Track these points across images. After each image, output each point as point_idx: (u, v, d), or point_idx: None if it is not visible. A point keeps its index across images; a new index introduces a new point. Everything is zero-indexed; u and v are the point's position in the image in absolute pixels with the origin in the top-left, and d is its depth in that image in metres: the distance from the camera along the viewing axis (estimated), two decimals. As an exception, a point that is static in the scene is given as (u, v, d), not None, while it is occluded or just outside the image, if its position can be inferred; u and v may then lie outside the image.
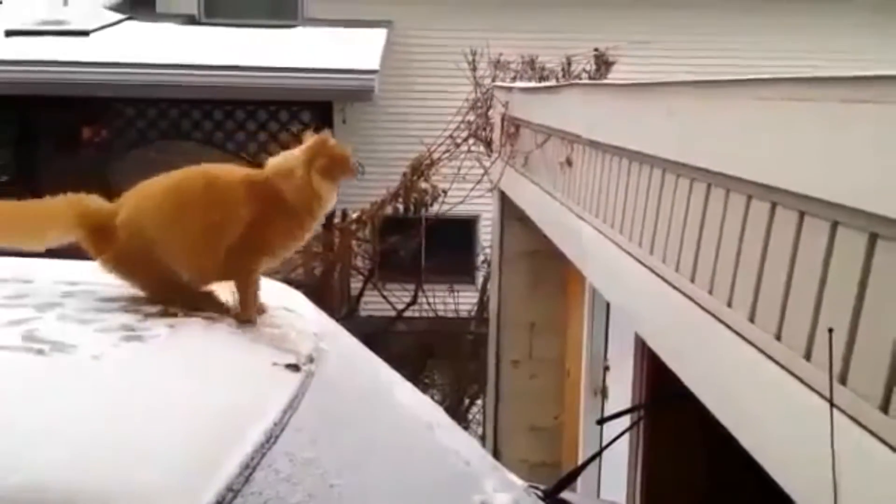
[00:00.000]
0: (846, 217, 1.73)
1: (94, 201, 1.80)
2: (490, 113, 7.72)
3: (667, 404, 3.87)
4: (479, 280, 9.80)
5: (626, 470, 4.76)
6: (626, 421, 3.69)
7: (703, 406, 2.44)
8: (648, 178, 3.06)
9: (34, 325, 1.53)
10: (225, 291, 1.82)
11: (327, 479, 1.40)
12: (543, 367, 6.81)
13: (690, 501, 4.49)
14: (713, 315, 2.38)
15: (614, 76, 8.21)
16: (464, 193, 8.36)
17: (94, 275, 1.81)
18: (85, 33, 9.53)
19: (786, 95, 2.07)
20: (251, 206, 1.76)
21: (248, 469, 1.24)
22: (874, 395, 1.60)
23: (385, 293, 9.20)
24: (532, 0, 10.35)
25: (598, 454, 3.55)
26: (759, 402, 2.10)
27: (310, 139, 1.83)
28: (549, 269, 6.48)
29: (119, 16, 10.30)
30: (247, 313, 1.75)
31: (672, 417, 3.87)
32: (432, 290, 9.30)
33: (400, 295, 9.21)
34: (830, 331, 1.71)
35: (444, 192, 8.41)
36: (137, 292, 1.77)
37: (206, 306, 1.75)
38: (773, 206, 2.06)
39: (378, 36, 9.78)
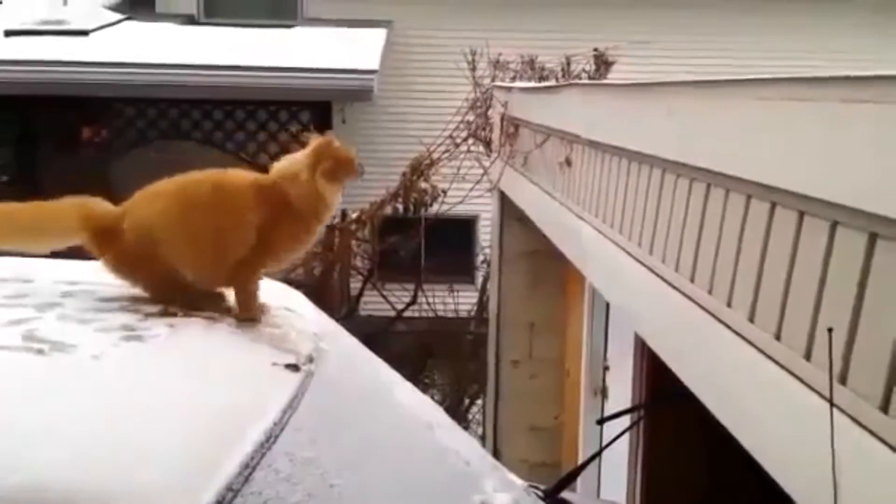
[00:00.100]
0: (846, 217, 1.73)
1: (99, 204, 1.80)
2: (489, 113, 7.72)
3: (667, 404, 3.87)
4: (479, 280, 9.80)
5: (626, 470, 4.76)
6: (625, 421, 3.68)
7: (703, 406, 2.44)
8: (648, 178, 3.06)
9: (34, 324, 1.54)
10: (227, 291, 1.83)
11: (327, 478, 1.40)
12: (543, 367, 6.81)
13: (690, 501, 4.50)
14: (713, 315, 2.38)
15: (614, 76, 8.21)
16: (463, 193, 8.37)
17: (94, 275, 1.81)
18: (85, 33, 9.53)
19: (786, 95, 2.07)
20: (259, 210, 1.76)
21: (248, 469, 1.24)
22: (874, 395, 1.60)
23: (385, 293, 9.20)
24: (532, 0, 10.35)
25: (598, 454, 3.55)
26: (759, 402, 2.10)
27: (314, 141, 1.83)
28: (548, 269, 6.47)
29: (119, 16, 10.30)
30: (249, 313, 1.75)
31: (672, 417, 3.87)
32: (432, 290, 9.30)
33: (400, 295, 9.21)
34: (830, 330, 1.71)
35: (444, 192, 8.41)
36: (137, 292, 1.78)
37: (207, 306, 1.75)
38: (773, 205, 2.06)
39: (378, 36, 9.78)
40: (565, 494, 2.59)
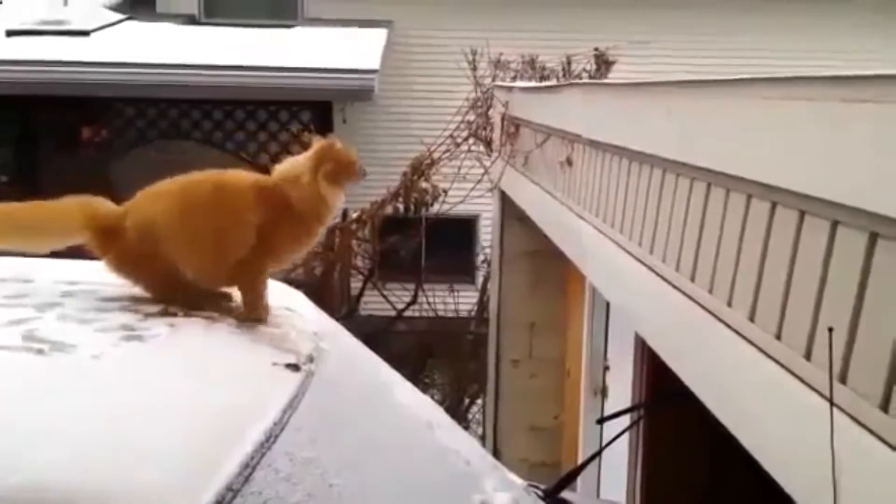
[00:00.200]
0: (846, 216, 1.73)
1: (102, 204, 1.81)
2: (490, 112, 7.72)
3: (667, 404, 3.87)
4: (479, 280, 9.80)
5: (625, 469, 4.76)
6: (625, 420, 3.68)
7: (703, 405, 2.44)
8: (648, 177, 3.06)
9: (34, 324, 1.54)
10: (232, 291, 1.83)
11: (327, 478, 1.40)
12: (543, 366, 6.81)
13: (690, 501, 4.50)
14: (713, 314, 2.38)
15: (614, 76, 8.20)
16: (464, 193, 8.36)
17: (94, 275, 1.81)
18: (85, 33, 9.53)
19: (786, 95, 2.07)
20: (259, 211, 1.77)
21: (248, 468, 1.24)
22: (874, 395, 1.60)
23: (385, 293, 9.20)
24: (532, 0, 10.35)
25: (598, 454, 3.55)
26: (759, 401, 2.10)
27: (316, 144, 1.84)
28: (549, 268, 6.47)
29: (119, 16, 10.30)
30: (255, 313, 1.76)
31: (672, 417, 3.87)
32: (432, 289, 9.30)
33: (400, 295, 9.21)
34: (830, 330, 1.71)
35: (445, 191, 8.40)
36: (137, 292, 1.78)
37: (208, 306, 1.75)
38: (774, 205, 2.06)
39: (378, 36, 9.78)
40: (565, 494, 2.59)
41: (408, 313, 9.17)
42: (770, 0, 10.37)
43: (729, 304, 2.29)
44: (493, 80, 8.03)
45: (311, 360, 1.65)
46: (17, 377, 1.36)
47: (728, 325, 2.27)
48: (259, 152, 9.51)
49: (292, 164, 1.84)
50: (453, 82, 8.59)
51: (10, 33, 9.33)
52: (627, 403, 4.61)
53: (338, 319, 2.32)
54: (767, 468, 2.00)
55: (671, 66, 9.06)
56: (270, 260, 1.82)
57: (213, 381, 1.46)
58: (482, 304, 9.21)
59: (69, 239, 1.79)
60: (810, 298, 1.85)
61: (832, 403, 1.69)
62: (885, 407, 1.58)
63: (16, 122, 9.62)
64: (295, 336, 1.73)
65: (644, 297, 3.11)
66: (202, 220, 1.76)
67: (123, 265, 1.77)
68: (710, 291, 2.42)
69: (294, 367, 1.58)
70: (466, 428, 7.85)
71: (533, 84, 7.16)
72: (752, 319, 2.14)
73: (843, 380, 1.71)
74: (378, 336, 7.59)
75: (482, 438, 7.49)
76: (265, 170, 1.89)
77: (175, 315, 1.67)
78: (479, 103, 8.17)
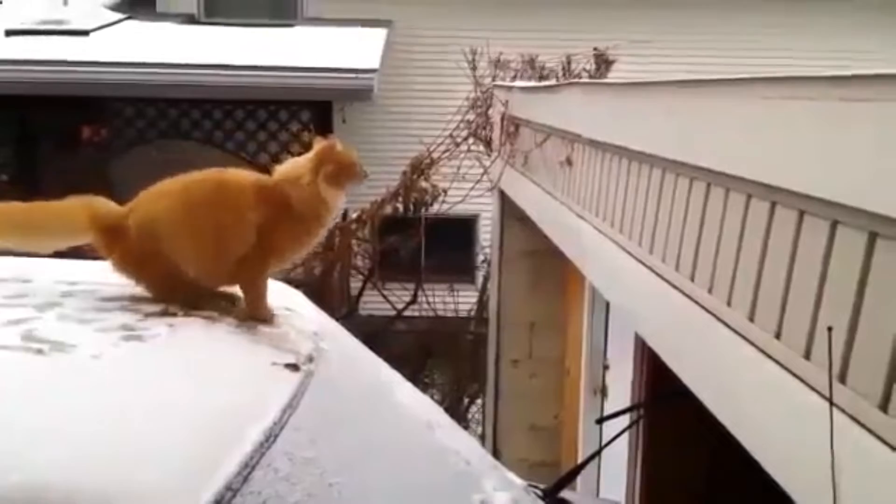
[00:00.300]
0: (846, 216, 1.73)
1: (105, 203, 1.83)
2: (490, 112, 7.71)
3: (666, 403, 3.87)
4: (479, 280, 9.80)
5: (625, 469, 4.76)
6: (625, 420, 3.69)
7: (703, 405, 2.44)
8: (648, 177, 3.06)
9: (34, 324, 1.54)
10: (234, 291, 1.84)
11: (326, 478, 1.40)
12: (543, 366, 6.82)
13: (690, 501, 4.50)
14: (713, 314, 2.38)
15: (614, 75, 8.21)
16: (463, 193, 8.35)
17: (93, 275, 1.82)
18: (85, 33, 9.53)
19: (786, 95, 2.07)
20: (259, 210, 1.78)
21: (248, 468, 1.24)
22: (874, 394, 1.60)
23: (385, 293, 9.20)
24: (532, 0, 10.35)
25: (598, 453, 3.55)
26: (758, 401, 2.10)
27: (318, 145, 1.85)
28: (548, 268, 6.47)
29: (119, 15, 10.30)
30: (257, 312, 1.77)
31: (671, 416, 3.87)
32: (432, 289, 9.29)
33: (400, 294, 9.20)
34: (830, 329, 1.71)
35: (444, 191, 8.40)
36: (137, 292, 1.78)
37: (209, 306, 1.76)
38: (773, 205, 2.06)
39: (378, 35, 9.78)
40: (565, 494, 2.59)
41: (407, 313, 9.16)
42: (770, 0, 10.37)
43: (728, 304, 2.29)
44: (493, 79, 8.03)
45: (310, 360, 1.65)
46: (17, 377, 1.36)
47: (728, 325, 2.27)
48: (259, 152, 9.51)
49: (293, 165, 1.85)
50: (453, 82, 8.59)
51: (9, 33, 9.33)
52: (627, 403, 4.61)
53: (338, 319, 2.32)
54: (767, 468, 2.00)
55: (671, 66, 9.05)
56: (271, 259, 1.83)
57: (213, 380, 1.46)
58: (482, 303, 9.21)
59: (75, 239, 1.80)
60: (810, 298, 1.85)
61: (832, 403, 1.69)
62: (884, 407, 1.58)
63: (16, 122, 9.62)
64: (295, 336, 1.74)
65: (644, 297, 3.11)
66: (203, 217, 1.77)
67: (127, 265, 1.78)
68: (710, 291, 2.42)
69: (294, 367, 1.59)
70: (466, 428, 7.85)
71: (533, 84, 7.16)
72: (751, 319, 2.14)
73: (842, 379, 1.71)
74: (378, 336, 7.59)
75: (482, 438, 7.49)
76: (265, 169, 1.90)
77: (175, 315, 1.67)
78: (479, 103, 8.17)
